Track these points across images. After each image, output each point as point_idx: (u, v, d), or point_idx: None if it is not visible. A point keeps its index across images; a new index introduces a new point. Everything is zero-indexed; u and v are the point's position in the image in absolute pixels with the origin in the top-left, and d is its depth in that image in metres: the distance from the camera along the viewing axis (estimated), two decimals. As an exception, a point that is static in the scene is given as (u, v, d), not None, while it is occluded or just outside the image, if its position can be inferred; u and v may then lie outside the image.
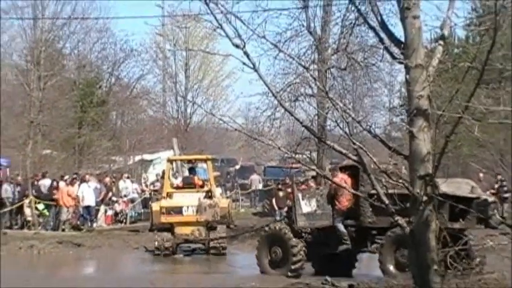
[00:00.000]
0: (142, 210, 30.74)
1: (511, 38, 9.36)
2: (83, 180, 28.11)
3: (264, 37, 8.96)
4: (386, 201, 8.47)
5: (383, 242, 15.92)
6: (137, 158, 39.56)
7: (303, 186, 24.32)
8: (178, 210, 21.77)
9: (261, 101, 23.81)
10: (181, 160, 27.13)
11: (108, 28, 40.51)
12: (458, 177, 19.79)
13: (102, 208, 28.95)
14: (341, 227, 16.47)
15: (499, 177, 27.12)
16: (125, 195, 30.78)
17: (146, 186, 33.23)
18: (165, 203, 22.14)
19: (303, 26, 24.34)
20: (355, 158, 8.70)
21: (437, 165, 8.12)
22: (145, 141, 41.11)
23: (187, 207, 21.77)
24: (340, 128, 9.11)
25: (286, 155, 15.72)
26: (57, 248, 23.38)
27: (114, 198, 30.04)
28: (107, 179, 30.95)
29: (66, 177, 29.06)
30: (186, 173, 25.26)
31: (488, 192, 20.72)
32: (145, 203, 30.38)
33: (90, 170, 34.51)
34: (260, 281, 15.85)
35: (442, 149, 8.12)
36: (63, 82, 35.77)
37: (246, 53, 8.46)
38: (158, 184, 30.90)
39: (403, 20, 8.34)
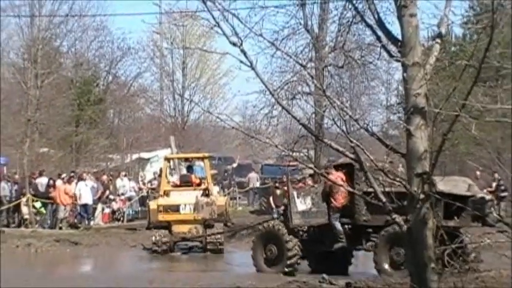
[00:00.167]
0: (139, 209, 30.76)
1: (510, 36, 9.36)
2: (80, 179, 28.12)
3: (261, 35, 8.94)
4: (384, 199, 8.48)
5: (377, 241, 15.98)
6: (134, 156, 39.57)
7: (300, 184, 24.31)
8: (175, 208, 21.78)
9: (258, 99, 23.82)
10: (178, 158, 27.13)
11: (105, 26, 40.67)
12: (456, 175, 19.76)
13: (100, 206, 28.96)
14: (338, 224, 16.50)
15: (496, 175, 27.14)
16: (122, 194, 30.80)
17: (143, 184, 33.26)
18: (163, 201, 22.15)
19: (300, 24, 24.33)
20: (352, 156, 8.69)
21: (434, 163, 8.11)
22: (142, 139, 41.15)
23: (185, 205, 21.77)
24: (337, 126, 9.07)
25: (283, 153, 15.77)
26: (55, 246, 23.40)
27: (111, 197, 30.07)
28: (104, 177, 30.97)
29: (64, 175, 29.05)
30: (184, 171, 25.26)
31: (485, 190, 20.72)
32: (143, 201, 30.41)
33: (88, 168, 34.56)
34: (257, 279, 15.85)
35: (439, 147, 8.11)
36: (60, 80, 35.76)
37: (243, 51, 8.44)
38: (155, 182, 30.91)
39: (400, 18, 8.33)
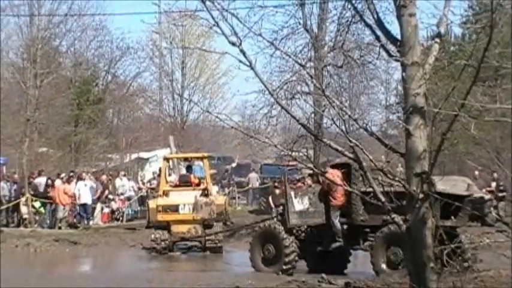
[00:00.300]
0: (138, 208, 30.75)
1: (509, 36, 9.35)
2: (79, 178, 28.11)
3: (260, 35, 8.95)
4: (383, 199, 8.47)
5: (374, 242, 15.98)
6: (134, 156, 39.55)
7: (299, 184, 24.33)
8: (174, 208, 21.78)
9: (258, 98, 23.88)
10: (177, 158, 27.14)
11: (105, 26, 40.69)
12: (455, 174, 19.76)
13: (99, 206, 28.95)
14: (337, 223, 16.51)
15: (495, 175, 27.13)
16: (122, 193, 30.79)
17: (143, 184, 33.26)
18: (162, 201, 22.14)
19: (300, 23, 24.37)
20: (351, 155, 8.69)
21: (433, 162, 8.11)
22: (141, 139, 41.13)
23: (184, 205, 21.77)
24: (336, 125, 9.07)
25: (282, 152, 15.74)
26: (54, 246, 23.39)
27: (110, 196, 30.06)
28: (104, 177, 30.95)
29: (63, 175, 29.05)
30: (183, 171, 25.25)
31: (484, 190, 20.72)
32: (142, 201, 30.41)
33: (87, 168, 34.53)
34: (257, 278, 15.85)
35: (438, 147, 8.11)
36: (59, 80, 35.77)
37: (242, 51, 8.44)
38: (155, 182, 30.92)
39: (399, 17, 8.33)
